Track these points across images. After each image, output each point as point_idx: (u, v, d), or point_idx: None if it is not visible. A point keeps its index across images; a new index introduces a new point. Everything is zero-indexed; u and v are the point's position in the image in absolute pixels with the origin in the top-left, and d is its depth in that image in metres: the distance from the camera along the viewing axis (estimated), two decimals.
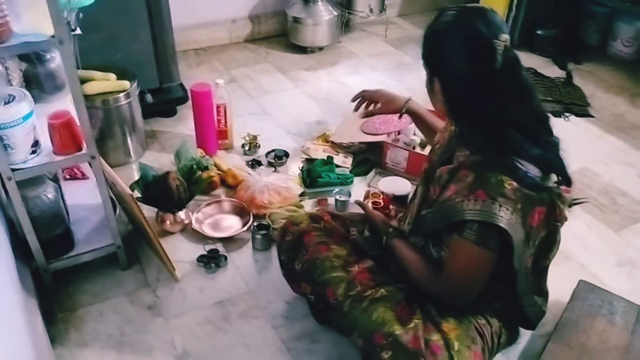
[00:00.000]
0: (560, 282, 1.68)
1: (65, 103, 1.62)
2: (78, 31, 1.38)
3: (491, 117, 1.14)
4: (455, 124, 1.27)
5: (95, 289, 1.65)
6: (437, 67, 1.19)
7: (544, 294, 1.33)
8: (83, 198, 1.79)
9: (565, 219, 1.22)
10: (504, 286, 1.27)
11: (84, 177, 1.91)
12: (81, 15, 1.38)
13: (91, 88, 1.98)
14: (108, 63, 2.11)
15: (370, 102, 1.67)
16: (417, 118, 1.61)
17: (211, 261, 1.75)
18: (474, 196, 1.12)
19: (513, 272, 1.21)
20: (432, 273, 1.28)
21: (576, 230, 1.95)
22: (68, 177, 1.88)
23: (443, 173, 1.26)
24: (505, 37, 1.10)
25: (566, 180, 1.21)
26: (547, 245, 1.23)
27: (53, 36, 1.24)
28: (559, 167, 1.19)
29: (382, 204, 1.82)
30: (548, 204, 1.17)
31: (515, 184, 1.10)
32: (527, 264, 1.22)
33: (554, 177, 1.17)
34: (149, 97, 2.38)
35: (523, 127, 1.15)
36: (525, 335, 1.53)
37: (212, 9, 3.07)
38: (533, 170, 1.13)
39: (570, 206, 1.23)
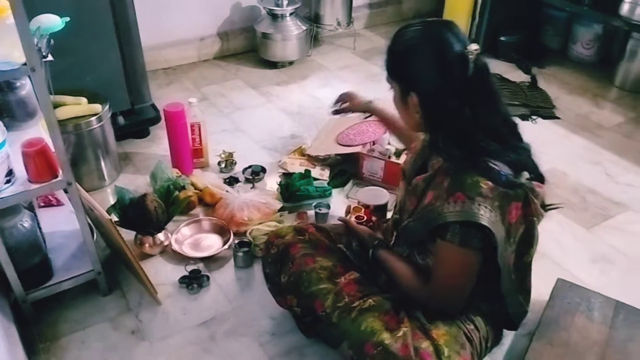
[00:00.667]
0: (537, 281, 1.72)
1: (37, 130, 1.60)
2: (49, 57, 1.36)
3: (466, 124, 1.17)
4: (429, 134, 1.28)
5: (77, 316, 1.62)
6: (413, 82, 1.20)
7: (528, 292, 1.36)
8: (59, 225, 1.77)
9: (542, 215, 1.26)
10: (490, 287, 1.30)
11: (58, 203, 1.88)
12: (52, 41, 1.37)
13: (63, 113, 1.96)
14: (78, 87, 2.09)
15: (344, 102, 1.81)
16: (384, 120, 1.72)
17: (193, 282, 1.73)
18: (453, 198, 1.15)
19: (497, 272, 1.24)
20: (420, 281, 1.30)
21: (550, 230, 2.00)
22: (43, 204, 1.85)
23: (419, 182, 1.29)
24: (475, 46, 1.14)
25: (539, 178, 1.24)
26: (527, 241, 1.25)
27: (25, 64, 1.23)
28: (532, 168, 1.23)
29: (365, 217, 1.83)
30: (523, 199, 1.20)
31: (490, 183, 1.14)
32: (510, 262, 1.25)
33: (526, 174, 1.20)
34: (121, 119, 2.36)
35: (494, 132, 1.18)
36: (508, 335, 1.56)
37: (180, 28, 3.07)
38: (505, 170, 1.16)
39: (545, 210, 1.26)
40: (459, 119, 1.17)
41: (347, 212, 1.93)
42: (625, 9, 2.68)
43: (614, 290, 1.67)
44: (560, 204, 1.38)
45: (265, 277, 1.55)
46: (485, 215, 1.13)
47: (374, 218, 1.81)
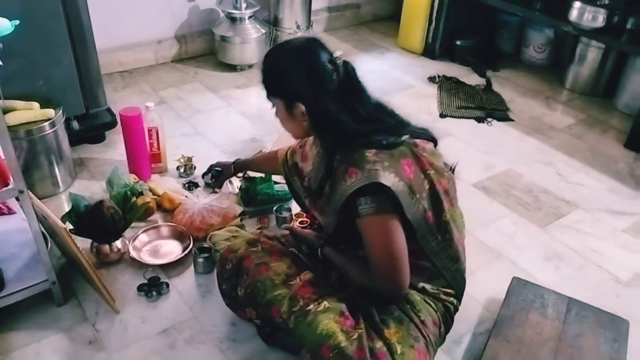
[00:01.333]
0: (494, 280, 1.78)
1: None
2: None
3: (348, 119, 1.28)
4: (318, 136, 1.38)
5: (30, 328, 1.56)
6: (295, 94, 1.30)
7: (458, 259, 1.38)
8: (11, 234, 1.71)
9: (443, 170, 1.34)
10: (425, 263, 1.34)
11: (10, 212, 1.82)
12: (1, 45, 1.33)
13: (14, 118, 1.89)
14: (30, 92, 2.03)
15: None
16: (253, 166, 1.97)
17: (152, 289, 1.70)
18: (347, 175, 1.25)
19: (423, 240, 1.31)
20: (366, 270, 1.32)
21: (504, 229, 2.06)
22: None
23: (326, 187, 1.39)
24: (339, 52, 1.31)
25: (429, 138, 1.38)
26: (435, 196, 1.31)
27: None
28: (417, 131, 1.36)
29: (308, 221, 1.89)
30: (411, 155, 1.29)
31: (374, 150, 1.24)
32: (428, 220, 1.29)
33: (406, 135, 1.31)
34: (75, 124, 2.30)
35: (373, 118, 1.31)
36: (467, 334, 1.60)
37: (137, 30, 3.01)
38: (383, 136, 1.27)
39: (452, 170, 1.41)
40: (342, 117, 1.28)
41: (291, 219, 1.98)
42: (573, 14, 2.78)
43: (567, 286, 1.74)
44: (455, 162, 1.47)
45: (222, 293, 1.54)
46: (382, 175, 1.21)
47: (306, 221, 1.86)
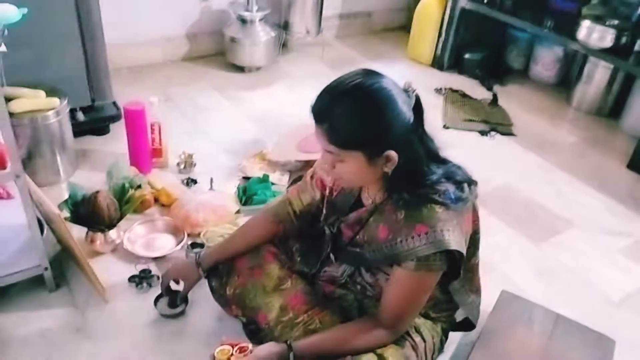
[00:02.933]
0: (484, 293, 1.77)
1: None
2: (3, 48, 1.35)
3: (426, 159, 1.18)
4: (391, 182, 1.21)
5: (20, 312, 1.59)
6: (391, 142, 1.13)
7: (478, 290, 1.41)
8: (8, 218, 1.73)
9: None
10: (439, 292, 1.34)
11: (8, 197, 1.84)
12: (6, 32, 1.35)
13: (19, 105, 1.93)
14: (38, 80, 2.06)
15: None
16: (227, 251, 1.50)
17: (143, 281, 1.72)
18: (416, 232, 1.16)
19: (443, 279, 1.27)
20: (368, 324, 1.28)
21: (499, 243, 2.06)
22: None
23: (362, 215, 1.30)
24: (409, 82, 1.18)
25: (472, 182, 1.27)
26: (474, 243, 1.30)
27: None
28: (464, 175, 1.25)
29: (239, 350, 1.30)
30: (472, 209, 1.26)
31: (443, 207, 1.16)
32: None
33: (466, 186, 1.23)
34: (80, 115, 2.33)
35: (435, 154, 1.22)
36: (452, 344, 1.60)
37: (148, 27, 3.05)
38: (451, 188, 1.19)
39: None
40: (422, 156, 1.18)
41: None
42: (582, 33, 2.78)
43: (557, 303, 1.73)
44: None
45: (210, 289, 1.54)
46: (451, 238, 1.15)
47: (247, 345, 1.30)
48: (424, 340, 1.35)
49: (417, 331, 1.35)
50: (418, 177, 1.17)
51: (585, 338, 1.56)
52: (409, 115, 1.13)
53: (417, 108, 1.17)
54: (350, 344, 1.25)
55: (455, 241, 1.16)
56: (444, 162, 1.23)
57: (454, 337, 1.62)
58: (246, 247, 1.49)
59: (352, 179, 1.24)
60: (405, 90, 1.16)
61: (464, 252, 1.20)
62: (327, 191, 1.41)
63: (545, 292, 1.86)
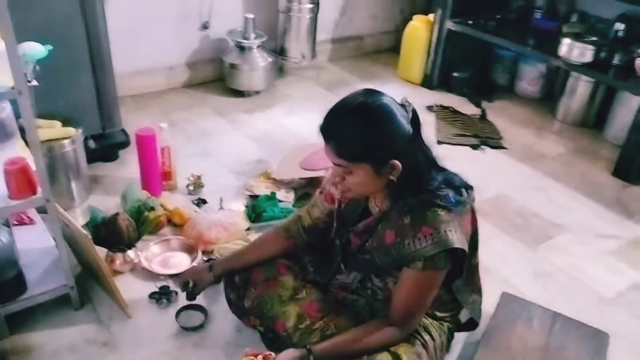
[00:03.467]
0: (485, 295, 1.87)
1: (15, 150, 1.67)
2: (34, 82, 1.46)
3: (427, 165, 1.30)
4: (396, 190, 1.31)
5: (49, 330, 1.67)
6: (395, 151, 1.24)
7: (479, 290, 1.51)
8: (32, 242, 1.82)
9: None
10: (444, 292, 1.44)
11: (31, 222, 1.94)
12: (37, 67, 1.47)
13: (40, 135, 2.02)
14: (51, 111, 2.16)
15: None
16: (239, 262, 1.61)
17: (162, 297, 1.81)
18: (421, 234, 1.26)
19: (446, 279, 1.37)
20: (380, 324, 1.37)
21: (496, 248, 2.17)
22: (16, 222, 1.90)
23: (370, 223, 1.40)
24: (405, 97, 1.30)
25: (468, 186, 1.38)
26: (474, 244, 1.41)
27: (13, 87, 1.32)
28: (460, 180, 1.36)
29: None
30: (470, 211, 1.38)
31: (445, 210, 1.27)
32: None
33: (463, 191, 1.34)
34: (91, 143, 2.43)
35: (434, 162, 1.34)
36: (457, 344, 1.70)
37: (150, 57, 3.18)
38: (451, 193, 1.30)
39: None
40: (423, 163, 1.29)
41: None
42: (564, 50, 2.94)
43: (554, 302, 1.84)
44: None
45: (228, 302, 1.64)
46: (455, 238, 1.26)
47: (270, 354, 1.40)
48: (433, 339, 1.45)
49: (426, 331, 1.45)
50: (421, 182, 1.29)
51: (581, 333, 1.66)
52: (408, 127, 1.25)
53: (415, 120, 1.28)
54: (364, 343, 1.35)
55: (459, 240, 1.27)
56: (442, 169, 1.35)
57: (459, 337, 1.72)
58: (257, 259, 1.60)
59: (360, 189, 1.34)
60: (403, 105, 1.28)
61: (467, 249, 1.31)
62: (336, 204, 1.51)
63: (542, 293, 1.97)
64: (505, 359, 1.56)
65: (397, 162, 1.24)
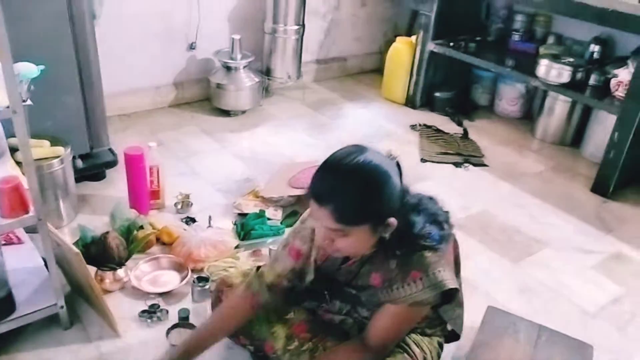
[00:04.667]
0: (470, 309, 1.91)
1: (6, 169, 1.67)
2: (29, 102, 1.47)
3: (410, 216, 1.26)
4: (388, 244, 1.28)
5: (38, 350, 1.66)
6: (392, 210, 1.22)
7: (462, 305, 1.54)
8: (21, 262, 1.81)
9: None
10: (430, 312, 1.46)
11: (19, 241, 1.93)
12: (32, 87, 1.49)
13: None
14: (39, 130, 2.17)
15: None
16: (199, 348, 1.46)
17: (153, 315, 1.81)
18: (411, 279, 1.26)
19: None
20: (350, 347, 1.38)
21: (480, 264, 2.22)
22: (4, 242, 1.89)
23: (352, 267, 1.38)
24: (389, 150, 1.30)
25: (446, 215, 1.36)
26: (457, 266, 1.45)
27: (7, 107, 1.34)
28: (438, 210, 1.34)
29: None
30: (452, 240, 1.39)
31: (431, 251, 1.26)
32: None
33: (444, 224, 1.32)
34: (79, 162, 2.44)
35: (412, 205, 1.29)
36: (446, 357, 1.72)
37: (137, 77, 3.20)
38: (433, 230, 1.27)
39: None
40: (410, 215, 1.25)
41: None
42: (541, 71, 3.04)
43: (539, 316, 1.88)
44: None
45: None
46: (446, 277, 1.25)
47: None
48: (424, 352, 1.48)
49: (417, 345, 1.47)
50: (410, 232, 1.25)
51: (566, 346, 1.70)
52: (399, 182, 1.24)
53: (399, 169, 1.27)
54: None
55: (450, 278, 1.27)
56: (418, 201, 1.30)
57: (447, 351, 1.75)
58: (226, 333, 1.52)
59: (353, 250, 1.29)
60: (391, 156, 1.27)
61: (458, 286, 1.32)
62: (313, 260, 1.43)
63: (526, 307, 2.01)
64: None
65: (393, 219, 1.21)
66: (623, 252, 2.39)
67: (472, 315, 1.85)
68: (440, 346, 1.58)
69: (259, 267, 1.53)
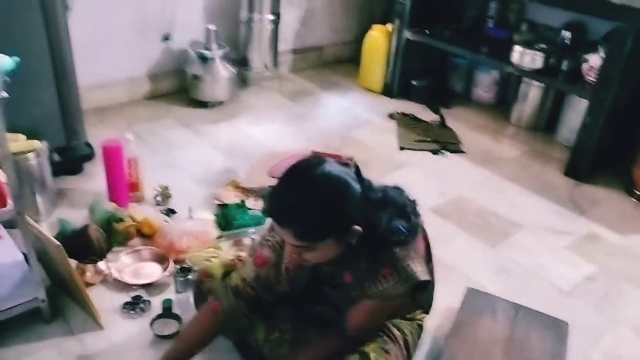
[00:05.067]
0: (450, 291, 1.96)
1: None
2: (4, 94, 1.45)
3: (377, 213, 1.27)
4: (355, 247, 1.28)
5: (21, 345, 1.65)
6: (354, 219, 1.21)
7: (433, 287, 1.55)
8: (1, 257, 1.79)
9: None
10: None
11: None
12: (8, 79, 1.46)
13: None
14: (14, 124, 2.13)
15: None
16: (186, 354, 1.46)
17: (136, 307, 1.81)
18: (381, 275, 1.27)
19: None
20: (340, 337, 1.41)
21: (458, 247, 2.27)
22: None
23: (322, 269, 1.41)
24: (348, 156, 1.33)
25: (413, 205, 1.37)
26: (428, 253, 1.46)
27: None
28: (406, 201, 1.35)
29: None
30: (420, 231, 1.38)
31: (399, 246, 1.27)
32: None
33: (412, 215, 1.33)
34: (55, 156, 2.41)
35: (381, 200, 1.30)
36: (427, 338, 1.77)
37: (111, 69, 3.16)
38: (398, 223, 1.27)
39: None
40: (375, 214, 1.26)
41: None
42: (515, 57, 3.09)
43: (516, 296, 1.93)
44: None
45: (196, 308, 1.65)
46: (417, 270, 1.27)
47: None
48: (404, 334, 1.51)
49: (396, 326, 1.51)
50: (375, 233, 1.25)
51: (542, 323, 1.76)
52: (358, 187, 1.22)
53: (358, 174, 1.27)
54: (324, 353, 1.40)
55: (420, 271, 1.28)
56: (383, 195, 1.30)
57: (429, 330, 1.79)
58: (202, 344, 1.48)
59: (320, 259, 1.31)
60: (346, 164, 1.28)
61: (430, 277, 1.34)
62: (283, 268, 1.42)
63: (504, 288, 2.06)
64: (472, 350, 1.64)
65: (357, 227, 1.22)
66: (596, 233, 2.46)
67: (450, 297, 1.91)
68: (420, 327, 1.62)
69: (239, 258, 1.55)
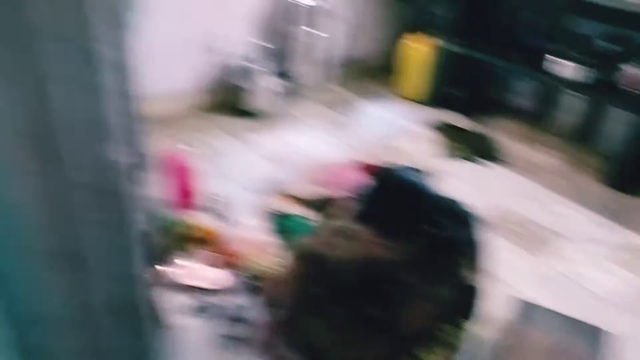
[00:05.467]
0: (496, 301, 2.03)
1: None
2: None
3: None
4: None
5: None
6: (421, 222, 1.42)
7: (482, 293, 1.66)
8: None
9: None
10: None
11: None
12: None
13: None
14: None
15: None
16: None
17: (201, 310, 1.95)
18: (439, 279, 1.45)
19: None
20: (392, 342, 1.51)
21: (502, 257, 2.32)
22: None
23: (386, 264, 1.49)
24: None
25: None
26: (478, 263, 1.58)
27: None
28: (467, 216, 1.54)
29: None
30: (476, 241, 1.55)
31: (457, 254, 1.49)
32: None
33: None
34: None
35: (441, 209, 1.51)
36: (474, 346, 1.83)
37: (160, 82, 3.26)
38: (460, 232, 1.48)
39: None
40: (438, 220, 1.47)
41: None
42: (553, 67, 3.14)
43: (558, 304, 1.99)
44: None
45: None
46: (472, 276, 1.48)
47: None
48: (453, 341, 1.60)
49: (448, 333, 1.59)
50: (440, 239, 1.45)
51: (584, 331, 1.81)
52: (432, 193, 1.48)
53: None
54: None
55: (474, 279, 1.48)
56: (448, 203, 1.50)
57: (475, 339, 1.86)
58: None
59: (389, 257, 1.45)
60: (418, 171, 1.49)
61: (479, 284, 1.50)
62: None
63: (546, 296, 2.13)
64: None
65: (427, 228, 1.42)
66: (636, 243, 2.50)
67: (495, 306, 1.98)
68: (467, 334, 1.69)
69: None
